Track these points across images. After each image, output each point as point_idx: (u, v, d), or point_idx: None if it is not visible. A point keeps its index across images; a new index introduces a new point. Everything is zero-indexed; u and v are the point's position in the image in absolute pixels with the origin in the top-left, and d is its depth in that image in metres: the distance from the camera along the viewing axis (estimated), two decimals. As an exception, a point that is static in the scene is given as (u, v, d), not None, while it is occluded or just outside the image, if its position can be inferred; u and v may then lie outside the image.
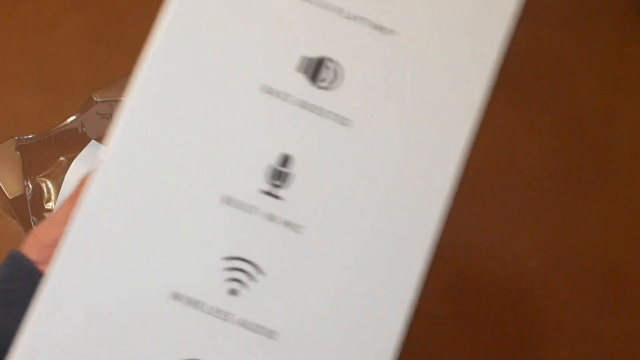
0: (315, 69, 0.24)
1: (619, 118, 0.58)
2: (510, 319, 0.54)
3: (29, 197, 0.49)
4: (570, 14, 0.60)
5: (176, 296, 0.22)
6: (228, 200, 0.23)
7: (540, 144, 0.56)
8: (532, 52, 0.59)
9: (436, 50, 0.24)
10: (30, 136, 0.50)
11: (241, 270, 0.23)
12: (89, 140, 0.49)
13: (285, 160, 0.23)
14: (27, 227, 0.48)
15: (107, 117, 0.50)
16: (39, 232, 0.27)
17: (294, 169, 0.23)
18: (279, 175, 0.23)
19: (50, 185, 0.50)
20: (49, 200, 0.49)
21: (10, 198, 0.48)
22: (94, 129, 0.51)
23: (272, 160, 0.23)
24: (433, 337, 0.53)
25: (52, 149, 0.51)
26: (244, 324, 0.23)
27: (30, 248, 0.27)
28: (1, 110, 0.53)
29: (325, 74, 0.24)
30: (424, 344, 0.53)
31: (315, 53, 0.24)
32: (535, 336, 0.54)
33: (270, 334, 0.23)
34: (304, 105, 0.23)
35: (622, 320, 0.54)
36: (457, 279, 0.54)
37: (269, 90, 0.23)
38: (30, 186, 0.49)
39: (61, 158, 0.51)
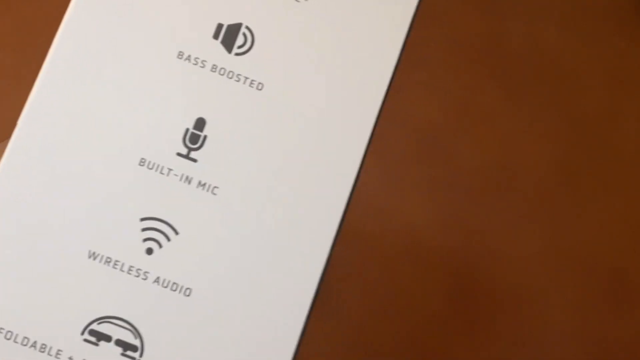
0: (230, 35, 0.24)
1: (624, 119, 0.57)
2: (512, 320, 0.54)
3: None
4: (573, 14, 0.60)
5: (94, 255, 0.23)
6: (145, 163, 0.24)
7: (543, 145, 0.56)
8: (535, 52, 0.59)
9: (348, 14, 0.24)
10: (29, 133, 0.51)
11: (157, 230, 0.23)
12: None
13: (201, 123, 0.24)
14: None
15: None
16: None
17: (209, 132, 0.24)
18: (194, 139, 0.24)
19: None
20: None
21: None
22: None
23: (188, 124, 0.24)
24: (433, 337, 0.53)
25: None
26: (160, 282, 0.23)
27: None
28: None
29: (239, 40, 0.24)
30: (423, 343, 0.53)
31: (230, 20, 0.24)
32: (537, 338, 0.54)
33: (185, 290, 0.23)
34: (219, 70, 0.24)
35: (625, 322, 0.54)
36: (459, 279, 0.54)
37: (186, 57, 0.24)
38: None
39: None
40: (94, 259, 0.23)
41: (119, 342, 0.23)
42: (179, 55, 0.24)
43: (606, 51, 0.59)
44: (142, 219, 0.24)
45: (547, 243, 0.55)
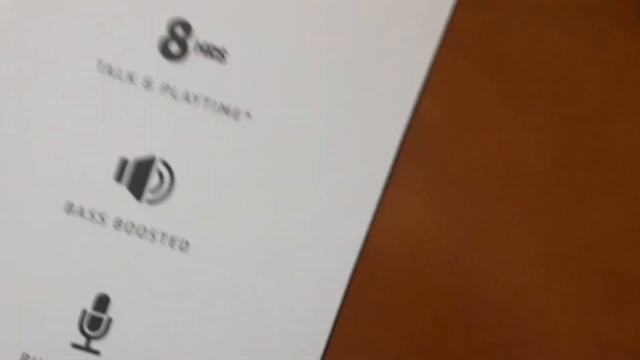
0: (141, 177, 0.18)
1: (624, 119, 0.53)
2: (512, 320, 0.50)
3: None
4: (573, 14, 0.54)
5: None
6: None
7: (543, 145, 0.51)
8: (535, 51, 0.54)
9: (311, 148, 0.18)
10: None
11: None
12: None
13: (104, 302, 0.17)
14: None
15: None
16: None
17: (114, 314, 0.17)
18: (95, 323, 0.17)
19: None
20: None
21: None
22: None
23: (86, 303, 0.17)
24: (431, 336, 0.49)
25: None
26: None
27: None
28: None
29: (153, 183, 0.18)
30: (422, 343, 0.50)
31: (141, 154, 0.18)
32: (536, 340, 0.50)
33: None
34: (124, 226, 0.17)
35: (624, 323, 0.50)
36: (457, 279, 0.50)
37: (78, 211, 0.17)
38: None
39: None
40: None
41: None
42: (66, 208, 0.17)
43: (606, 51, 0.54)
44: None
45: (546, 243, 0.50)
